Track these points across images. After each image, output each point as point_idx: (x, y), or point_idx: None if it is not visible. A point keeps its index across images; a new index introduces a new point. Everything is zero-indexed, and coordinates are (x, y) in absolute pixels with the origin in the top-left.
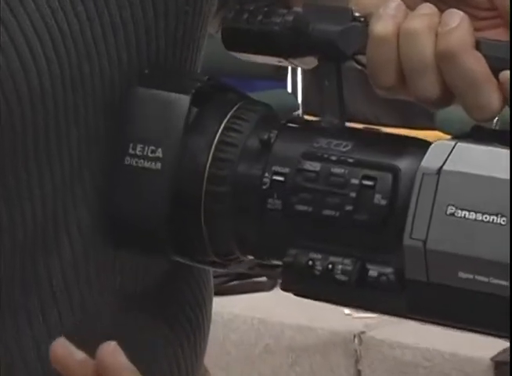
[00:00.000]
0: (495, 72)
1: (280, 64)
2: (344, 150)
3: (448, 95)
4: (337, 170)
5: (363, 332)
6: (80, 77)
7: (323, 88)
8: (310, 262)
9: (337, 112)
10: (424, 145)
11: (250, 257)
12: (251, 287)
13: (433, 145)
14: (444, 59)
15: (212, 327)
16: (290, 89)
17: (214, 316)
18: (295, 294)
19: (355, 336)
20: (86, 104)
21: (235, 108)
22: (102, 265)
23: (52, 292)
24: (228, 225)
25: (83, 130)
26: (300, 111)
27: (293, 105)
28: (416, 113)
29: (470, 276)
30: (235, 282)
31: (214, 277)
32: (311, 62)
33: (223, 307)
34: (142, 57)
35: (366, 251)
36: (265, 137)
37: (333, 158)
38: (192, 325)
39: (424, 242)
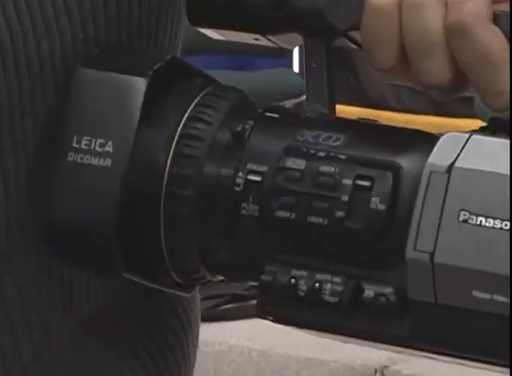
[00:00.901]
0: None
1: (257, 43)
2: (335, 144)
3: (460, 80)
4: (325, 168)
5: (386, 366)
6: (37, 58)
7: (310, 70)
8: (293, 281)
9: (326, 99)
10: (432, 139)
11: (220, 277)
12: (249, 312)
13: (442, 138)
14: (455, 35)
15: (202, 358)
16: (296, 68)
17: (203, 347)
18: (274, 321)
19: (376, 371)
20: (44, 89)
21: (202, 94)
22: (40, 278)
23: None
24: (192, 235)
25: (41, 121)
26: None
27: (300, 87)
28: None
29: (487, 296)
30: (229, 305)
31: (203, 299)
32: (295, 40)
33: (215, 336)
34: (100, 37)
35: (361, 267)
36: (239, 129)
37: (322, 154)
38: (176, 355)
39: (432, 255)
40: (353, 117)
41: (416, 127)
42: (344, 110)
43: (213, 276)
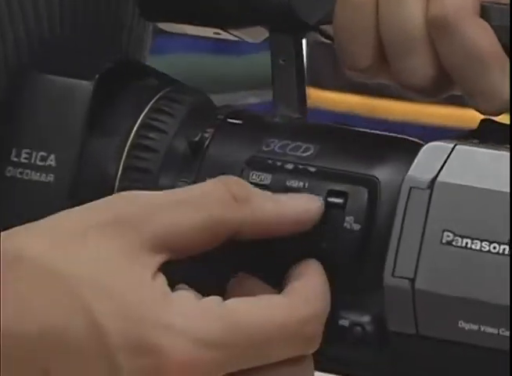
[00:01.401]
0: (506, 47)
1: (217, 37)
2: (305, 155)
3: (444, 79)
4: (293, 183)
5: None
6: None
7: (277, 68)
8: None
9: (295, 102)
10: (414, 148)
11: None
12: None
13: (424, 148)
14: (438, 30)
15: None
16: None
17: None
18: None
19: None
20: None
21: (156, 98)
22: None
23: None
24: None
25: None
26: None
27: None
28: None
29: (475, 327)
30: None
31: None
32: (261, 33)
33: None
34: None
35: (334, 294)
36: (197, 138)
37: (289, 167)
38: None
39: (412, 281)
40: (326, 124)
41: (418, 118)
42: (339, 99)
43: None
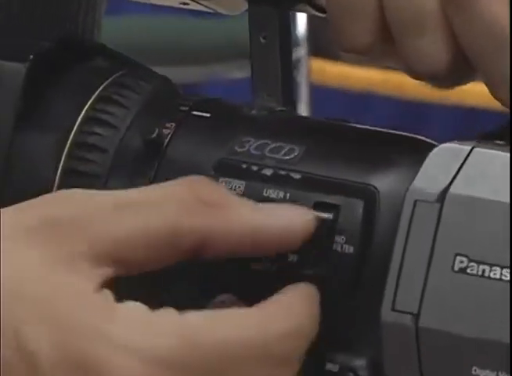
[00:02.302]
0: None
1: (185, 7)
2: (287, 158)
3: (462, 64)
4: (272, 193)
5: None
6: None
7: (257, 48)
8: None
9: (278, 92)
10: (424, 150)
11: None
12: None
13: (433, 151)
14: (454, 4)
15: None
16: None
17: None
18: None
19: None
20: None
21: (105, 84)
22: None
23: None
24: None
25: None
26: (302, 52)
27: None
28: None
29: (492, 374)
30: None
31: None
32: (237, 4)
33: None
34: None
35: (320, 331)
36: (153, 135)
37: (267, 172)
38: None
39: (416, 317)
40: (316, 119)
41: (449, 98)
42: (353, 74)
43: None
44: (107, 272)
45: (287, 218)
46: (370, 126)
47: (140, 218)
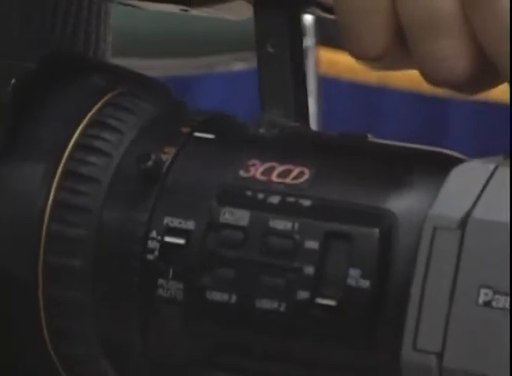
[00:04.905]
0: None
1: (187, 13)
2: (296, 182)
3: (484, 70)
4: (279, 223)
5: None
6: None
7: (264, 58)
8: None
9: (290, 105)
10: (444, 165)
11: None
12: None
13: (454, 171)
14: (475, 4)
15: None
16: None
17: None
18: None
19: None
20: None
21: (99, 105)
22: None
23: None
24: (87, 327)
25: None
26: (309, 42)
27: None
28: None
29: None
30: None
31: None
32: (242, 9)
33: None
34: None
35: (334, 373)
36: (149, 162)
37: (274, 201)
38: None
39: (440, 356)
40: (330, 135)
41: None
42: (360, 65)
43: None
44: None
45: None
46: (388, 138)
47: None
